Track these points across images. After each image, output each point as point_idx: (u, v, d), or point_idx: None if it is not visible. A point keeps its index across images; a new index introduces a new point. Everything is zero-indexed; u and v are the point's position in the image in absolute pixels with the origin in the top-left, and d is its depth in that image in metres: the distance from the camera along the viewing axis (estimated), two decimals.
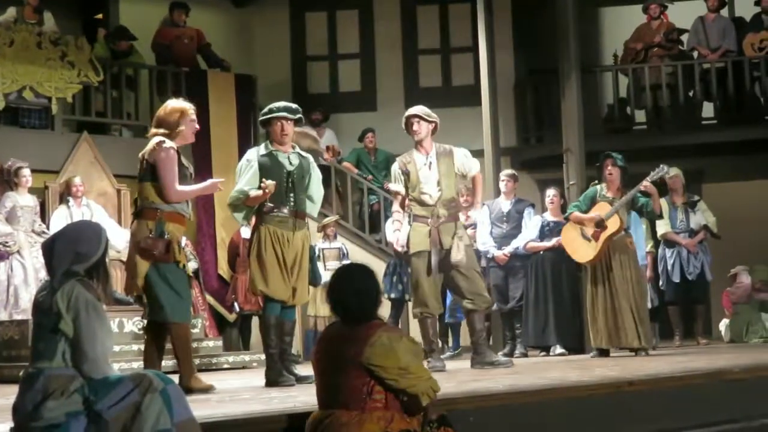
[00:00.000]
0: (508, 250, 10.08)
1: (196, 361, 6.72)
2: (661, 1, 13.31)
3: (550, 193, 10.35)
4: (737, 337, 11.45)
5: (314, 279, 7.40)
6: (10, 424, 3.92)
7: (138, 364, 8.12)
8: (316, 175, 7.14)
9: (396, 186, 7.95)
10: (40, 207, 10.44)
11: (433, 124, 7.90)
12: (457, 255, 7.64)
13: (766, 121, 13.09)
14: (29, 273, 9.79)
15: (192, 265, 8.84)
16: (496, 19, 12.52)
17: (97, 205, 10.72)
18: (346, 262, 11.57)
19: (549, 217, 10.17)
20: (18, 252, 9.83)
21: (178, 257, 6.22)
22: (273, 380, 6.63)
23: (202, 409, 4.58)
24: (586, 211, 9.00)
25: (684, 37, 13.45)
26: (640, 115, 13.53)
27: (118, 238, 10.17)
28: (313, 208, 7.11)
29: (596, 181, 9.30)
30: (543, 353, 10.02)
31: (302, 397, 5.31)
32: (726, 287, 11.90)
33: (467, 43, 14.05)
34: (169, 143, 6.27)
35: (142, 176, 6.33)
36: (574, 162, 11.14)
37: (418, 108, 7.91)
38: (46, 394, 3.77)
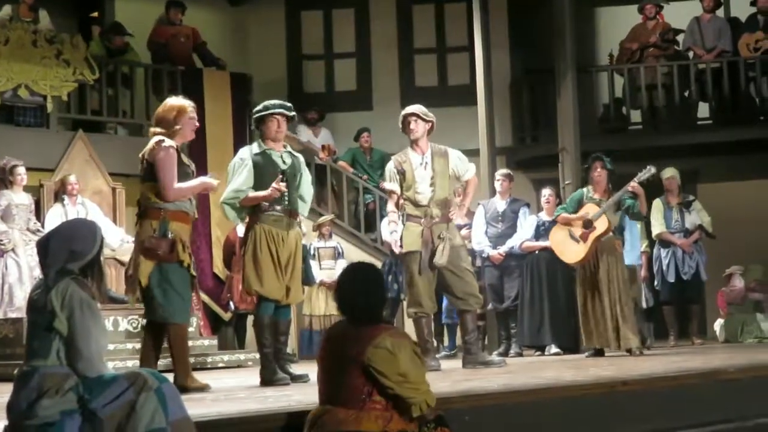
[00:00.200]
0: (503, 249, 10.09)
1: (191, 360, 6.70)
2: (657, 1, 13.33)
3: (546, 192, 10.35)
4: (732, 337, 11.45)
5: (307, 278, 7.40)
6: (5, 422, 3.91)
7: (133, 363, 8.13)
8: (307, 175, 7.13)
9: (391, 185, 7.93)
10: (35, 205, 10.43)
11: (430, 124, 7.89)
12: (441, 258, 7.63)
13: (761, 122, 13.11)
14: (24, 271, 9.78)
15: None
16: (492, 18, 12.53)
17: (92, 204, 10.71)
18: (341, 261, 11.60)
19: (544, 216, 10.17)
20: (13, 250, 9.83)
21: (182, 256, 6.20)
22: (268, 379, 6.63)
23: (197, 407, 4.57)
24: (573, 213, 9.02)
25: (680, 38, 13.46)
26: (636, 115, 13.54)
27: (113, 237, 10.17)
28: (304, 207, 7.10)
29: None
30: (538, 353, 10.03)
31: (297, 396, 5.32)
32: (721, 287, 11.92)
33: (463, 42, 14.07)
34: (168, 142, 6.26)
35: (143, 176, 6.33)
36: (570, 162, 11.15)
37: (416, 107, 7.90)
38: (41, 393, 3.77)
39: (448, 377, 6.54)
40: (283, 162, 6.93)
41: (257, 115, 7.02)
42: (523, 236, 10.10)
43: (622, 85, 13.36)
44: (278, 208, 6.80)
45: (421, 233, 7.71)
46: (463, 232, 9.83)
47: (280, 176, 6.79)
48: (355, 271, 4.34)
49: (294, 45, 14.70)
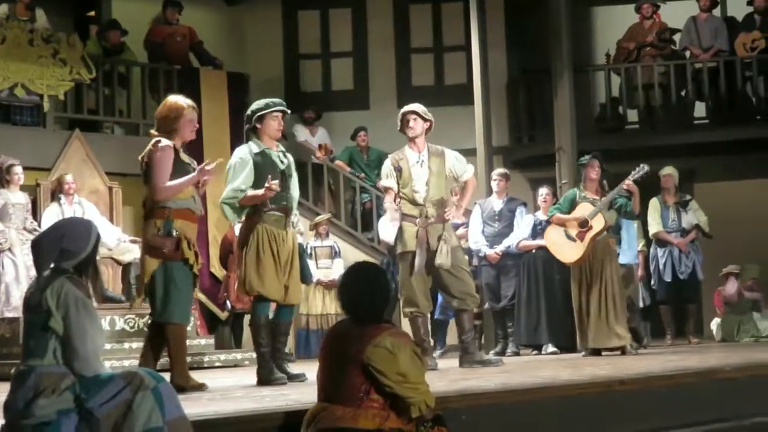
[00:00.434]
0: (500, 248, 10.09)
1: (188, 359, 6.70)
2: (654, 0, 13.33)
3: (543, 192, 10.35)
4: (728, 336, 11.46)
5: (305, 277, 7.40)
6: (2, 421, 3.91)
7: (129, 362, 8.12)
8: (295, 175, 7.14)
9: (387, 182, 7.92)
10: (32, 204, 10.41)
11: (429, 123, 7.88)
12: (440, 258, 7.63)
13: (757, 121, 13.12)
14: (20, 270, 9.76)
15: None
16: (488, 18, 12.55)
17: (89, 203, 10.70)
18: (337, 260, 11.59)
19: (541, 216, 10.17)
20: (9, 249, 9.81)
21: (187, 254, 6.19)
22: (265, 379, 6.63)
23: (193, 407, 4.57)
24: (566, 213, 9.02)
25: (676, 37, 13.47)
26: (633, 115, 13.54)
27: (110, 236, 10.16)
28: (295, 207, 7.11)
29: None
30: (535, 352, 10.03)
31: (294, 396, 5.31)
32: (717, 287, 11.93)
33: (460, 41, 14.07)
34: (165, 142, 6.25)
35: (144, 178, 6.33)
36: (567, 161, 11.16)
37: (416, 105, 7.89)
38: (38, 392, 3.76)
39: (445, 376, 6.54)
40: (281, 162, 6.93)
41: (260, 112, 6.94)
42: (520, 235, 10.11)
43: (618, 85, 13.36)
44: (278, 207, 6.80)
45: (416, 233, 7.70)
46: (460, 231, 9.84)
47: (278, 176, 6.78)
48: (359, 270, 4.34)
49: (291, 44, 14.69)
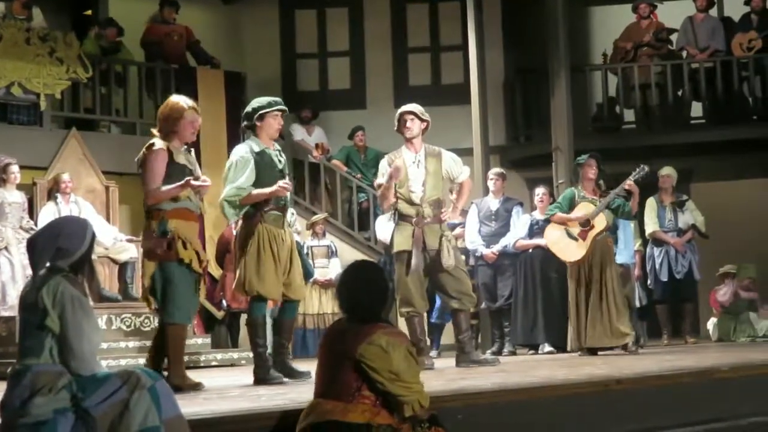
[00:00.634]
0: (496, 248, 10.09)
1: (185, 359, 6.69)
2: (651, 0, 13.34)
3: (540, 191, 10.36)
4: (725, 335, 11.48)
5: (308, 272, 7.42)
6: None
7: (126, 361, 8.13)
8: (288, 175, 7.16)
9: (382, 180, 7.88)
10: (28, 203, 10.40)
11: (425, 124, 7.88)
12: (449, 260, 7.63)
13: (754, 121, 13.13)
14: (17, 269, 9.75)
15: None
16: (485, 17, 12.55)
17: (86, 202, 10.69)
18: (334, 259, 11.59)
19: (538, 215, 10.18)
20: (6, 248, 9.80)
21: (183, 254, 6.17)
22: (261, 378, 6.62)
23: (190, 406, 4.57)
24: (566, 212, 9.02)
25: (673, 37, 13.49)
26: (629, 115, 13.56)
27: (106, 235, 10.15)
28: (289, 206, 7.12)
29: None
30: (531, 351, 10.04)
31: (290, 395, 5.31)
32: (714, 286, 11.93)
33: (457, 41, 14.06)
34: (158, 145, 6.24)
35: (142, 180, 6.32)
36: (563, 161, 11.17)
37: (413, 105, 7.89)
38: (34, 391, 3.76)
39: (441, 376, 6.54)
40: (279, 161, 6.93)
41: (262, 111, 6.90)
42: (517, 235, 10.11)
43: (615, 85, 13.37)
44: (277, 206, 6.80)
45: (413, 233, 7.70)
46: (457, 231, 9.84)
47: (278, 175, 6.79)
48: (358, 269, 4.35)
49: (288, 43, 14.69)
